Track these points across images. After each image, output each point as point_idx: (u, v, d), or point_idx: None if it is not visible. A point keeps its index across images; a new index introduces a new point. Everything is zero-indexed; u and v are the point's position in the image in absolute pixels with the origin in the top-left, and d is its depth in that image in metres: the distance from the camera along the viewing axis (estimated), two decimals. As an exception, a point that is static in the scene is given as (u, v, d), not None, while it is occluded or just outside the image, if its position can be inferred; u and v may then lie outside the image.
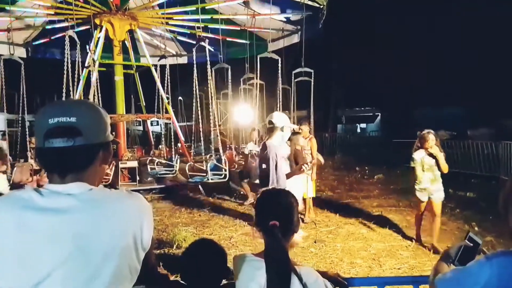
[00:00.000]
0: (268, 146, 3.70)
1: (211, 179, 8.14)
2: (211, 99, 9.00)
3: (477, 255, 1.38)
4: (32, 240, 0.98)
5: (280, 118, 3.84)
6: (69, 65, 8.15)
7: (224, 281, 1.60)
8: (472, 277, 1.19)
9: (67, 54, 8.09)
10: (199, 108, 9.27)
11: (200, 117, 9.29)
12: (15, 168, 7.76)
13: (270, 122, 3.83)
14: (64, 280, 0.98)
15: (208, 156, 9.31)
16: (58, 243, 0.99)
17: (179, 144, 11.43)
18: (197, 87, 9.25)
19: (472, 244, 1.43)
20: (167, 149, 11.59)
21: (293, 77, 9.12)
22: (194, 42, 9.97)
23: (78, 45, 8.33)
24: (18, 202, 1.01)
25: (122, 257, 1.05)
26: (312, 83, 8.97)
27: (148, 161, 9.48)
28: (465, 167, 10.96)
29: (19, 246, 0.98)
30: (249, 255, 1.51)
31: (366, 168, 12.48)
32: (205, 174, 8.27)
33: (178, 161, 9.26)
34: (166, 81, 10.87)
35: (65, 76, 8.06)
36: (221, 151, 8.85)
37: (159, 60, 10.82)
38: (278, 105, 9.12)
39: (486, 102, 20.79)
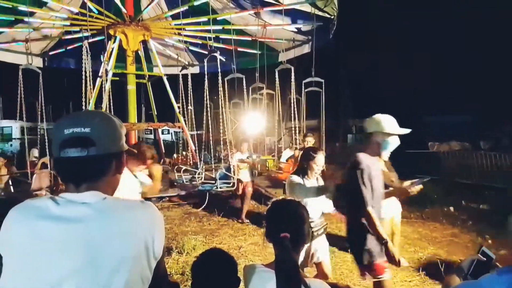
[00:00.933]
0: (359, 160, 2.80)
1: (220, 188, 8.17)
2: (222, 109, 9.05)
3: (490, 270, 1.37)
4: (46, 249, 1.00)
5: (384, 122, 2.90)
6: (88, 75, 8.31)
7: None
8: None
9: (86, 64, 8.25)
10: (209, 117, 9.36)
11: (210, 126, 9.37)
12: (34, 176, 7.87)
13: (369, 127, 2.96)
14: None
15: (218, 165, 9.33)
16: (72, 251, 1.01)
17: (185, 153, 11.55)
18: (207, 96, 9.34)
19: (485, 259, 1.42)
20: (181, 157, 11.68)
21: (303, 87, 9.17)
22: (206, 52, 10.09)
23: (89, 56, 8.49)
24: (32, 211, 1.04)
25: (134, 267, 1.06)
26: (323, 93, 9.00)
27: (175, 168, 9.49)
28: (477, 179, 10.79)
29: (33, 255, 1.00)
30: (259, 265, 1.52)
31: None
32: (214, 182, 8.30)
33: (204, 168, 9.27)
34: (189, 91, 11.00)
35: (83, 85, 8.20)
36: (230, 159, 8.87)
37: (180, 71, 10.99)
38: (286, 114, 9.16)
39: (497, 110, 20.47)
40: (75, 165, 1.09)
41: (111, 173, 1.17)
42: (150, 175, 3.72)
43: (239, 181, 7.73)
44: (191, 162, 10.63)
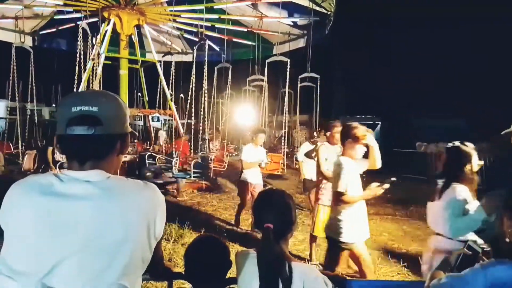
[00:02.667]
0: None
1: (193, 177, 8.19)
2: (203, 98, 9.05)
3: (476, 264, 1.41)
4: (49, 225, 1.00)
5: None
6: (81, 56, 8.21)
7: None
8: (466, 284, 1.23)
9: (80, 45, 8.14)
10: (192, 106, 9.34)
11: (203, 115, 9.36)
12: (25, 156, 7.83)
13: None
14: (80, 265, 1.00)
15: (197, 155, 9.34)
16: (74, 228, 1.01)
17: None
18: (194, 85, 9.32)
19: (471, 253, 1.46)
20: (168, 145, 11.65)
21: (298, 82, 9.19)
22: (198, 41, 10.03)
23: (89, 37, 8.39)
24: (36, 187, 1.04)
25: (136, 245, 1.08)
26: (318, 89, 9.07)
27: (147, 156, 9.49)
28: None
29: (36, 230, 1.00)
30: (252, 252, 1.54)
31: (363, 176, 12.49)
32: (188, 171, 8.34)
33: (179, 157, 9.25)
34: (171, 78, 10.93)
35: (77, 67, 8.13)
36: (208, 149, 8.87)
37: (163, 56, 10.86)
38: (283, 107, 9.19)
39: (489, 115, 20.73)
40: (81, 143, 1.09)
41: (115, 153, 1.17)
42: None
43: (243, 183, 5.96)
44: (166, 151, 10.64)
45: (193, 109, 9.40)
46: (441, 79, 23.56)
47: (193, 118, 9.70)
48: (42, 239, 1.00)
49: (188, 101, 9.58)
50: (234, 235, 5.75)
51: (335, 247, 3.35)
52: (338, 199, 3.22)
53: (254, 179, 5.89)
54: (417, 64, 23.20)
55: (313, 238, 4.72)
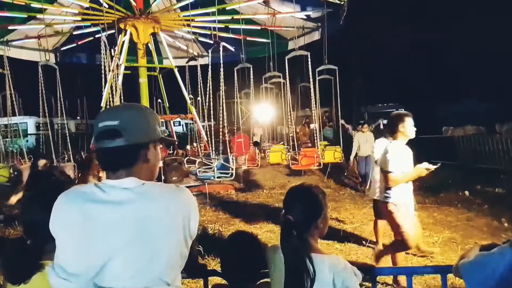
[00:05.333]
0: None
1: (217, 177, 8.26)
2: (221, 100, 9.09)
3: None
4: (95, 229, 1.10)
5: None
6: (106, 68, 8.46)
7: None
8: (494, 261, 1.24)
9: (104, 57, 8.42)
10: (208, 108, 9.43)
11: (221, 116, 9.43)
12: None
13: None
14: (125, 263, 1.09)
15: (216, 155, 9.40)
16: (117, 231, 1.10)
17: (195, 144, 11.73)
18: (211, 87, 9.41)
19: None
20: (193, 148, 11.82)
21: (316, 75, 9.10)
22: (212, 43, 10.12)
23: (108, 50, 8.64)
24: (81, 195, 1.15)
25: (174, 244, 1.16)
26: (337, 80, 8.97)
27: (186, 160, 9.61)
28: (493, 163, 10.67)
29: (83, 234, 1.10)
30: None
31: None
32: (213, 172, 8.40)
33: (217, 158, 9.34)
34: (199, 82, 11.10)
35: (102, 78, 8.37)
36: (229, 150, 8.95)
37: (187, 62, 11.02)
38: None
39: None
40: (107, 154, 1.20)
41: (141, 161, 1.23)
42: None
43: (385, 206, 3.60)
44: (203, 152, 10.75)
45: (211, 111, 9.50)
46: (463, 63, 22.83)
47: (208, 120, 9.82)
48: (88, 243, 1.10)
49: (206, 104, 9.68)
50: (262, 233, 5.81)
51: None
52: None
53: (403, 198, 3.45)
54: (438, 48, 22.57)
55: None
